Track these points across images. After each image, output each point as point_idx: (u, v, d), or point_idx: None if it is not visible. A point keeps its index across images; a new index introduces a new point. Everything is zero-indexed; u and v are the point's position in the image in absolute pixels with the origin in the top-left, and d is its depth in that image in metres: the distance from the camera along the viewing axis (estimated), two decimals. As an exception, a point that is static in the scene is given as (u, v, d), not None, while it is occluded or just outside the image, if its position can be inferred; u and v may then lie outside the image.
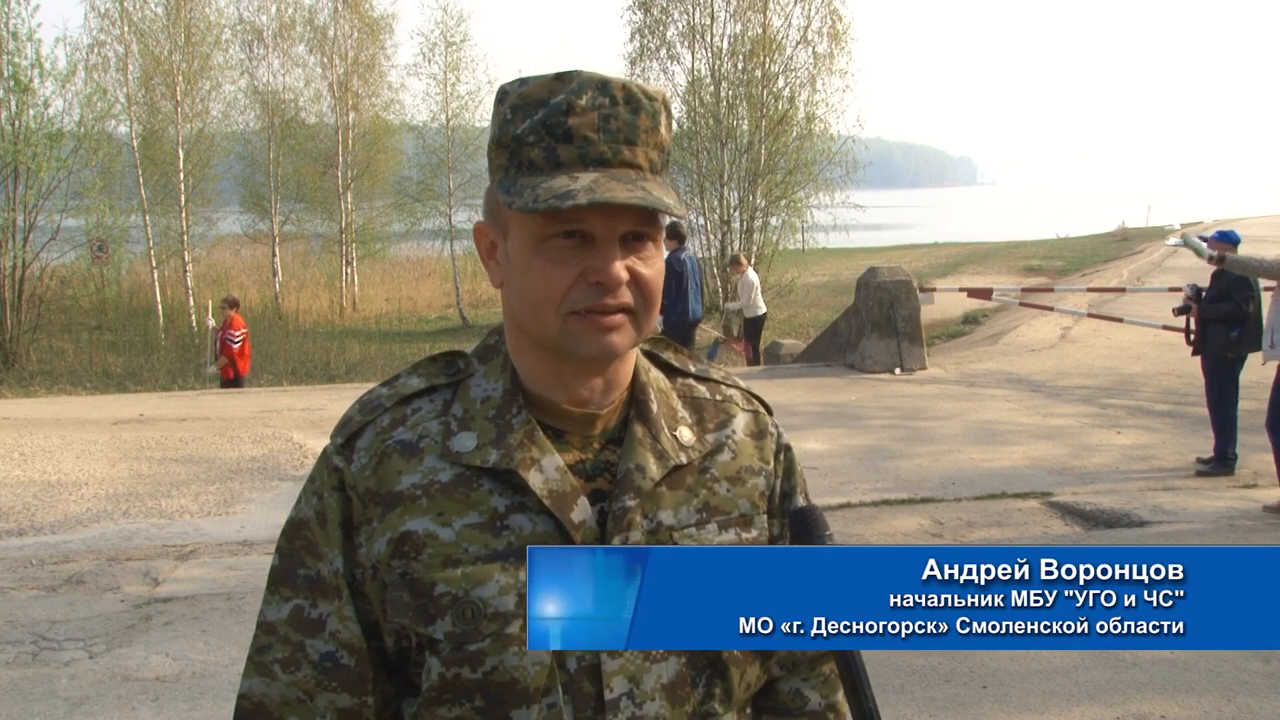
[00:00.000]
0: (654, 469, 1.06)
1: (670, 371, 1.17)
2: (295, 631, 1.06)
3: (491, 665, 1.00)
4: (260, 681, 1.07)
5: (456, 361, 1.12)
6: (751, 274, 14.10)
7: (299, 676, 1.06)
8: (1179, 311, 8.12)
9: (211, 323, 12.91)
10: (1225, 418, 7.52)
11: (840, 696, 1.21)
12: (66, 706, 3.99)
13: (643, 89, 1.02)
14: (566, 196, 0.95)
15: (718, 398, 1.17)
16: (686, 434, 1.11)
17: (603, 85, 1.00)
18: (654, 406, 1.10)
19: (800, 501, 1.19)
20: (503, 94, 1.03)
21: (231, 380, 12.78)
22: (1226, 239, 7.68)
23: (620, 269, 0.99)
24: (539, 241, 0.99)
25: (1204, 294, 7.67)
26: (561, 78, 1.01)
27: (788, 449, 1.20)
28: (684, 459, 1.09)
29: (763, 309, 14.07)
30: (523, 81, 1.02)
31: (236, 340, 12.58)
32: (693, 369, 1.18)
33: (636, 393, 1.10)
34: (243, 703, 1.08)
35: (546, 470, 1.03)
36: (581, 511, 1.03)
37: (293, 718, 1.07)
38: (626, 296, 1.01)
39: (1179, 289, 10.61)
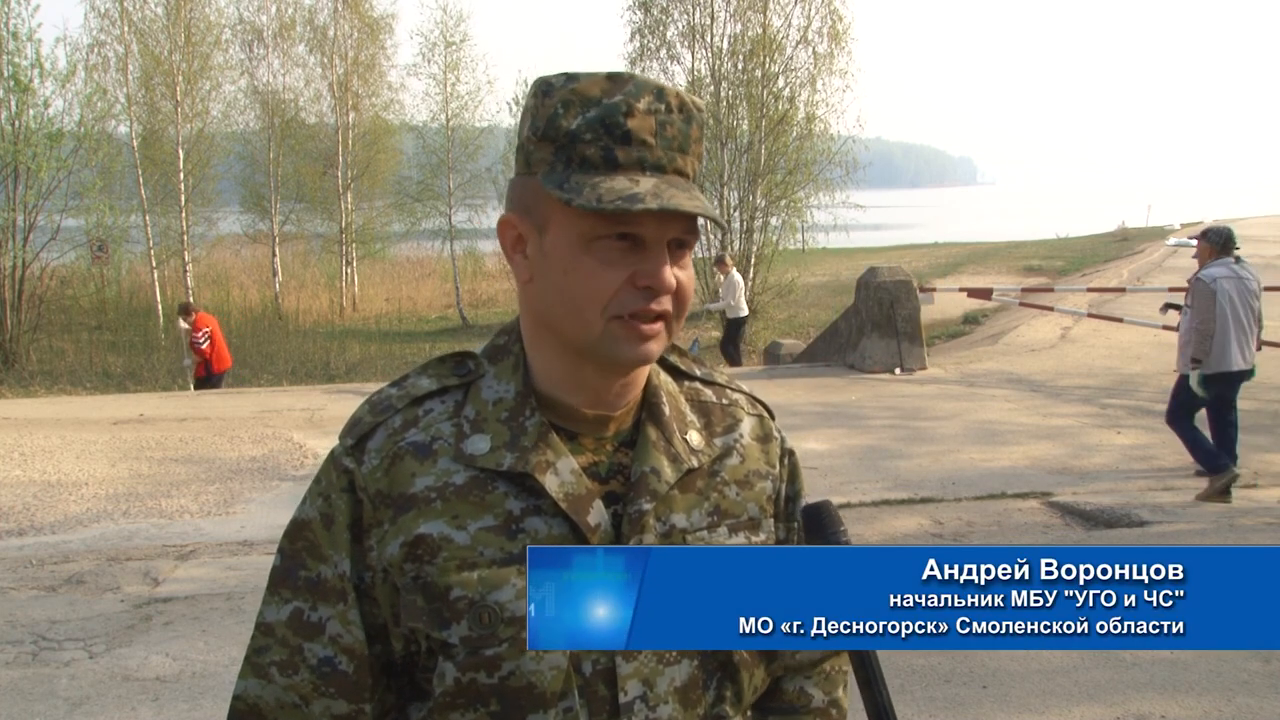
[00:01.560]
0: (668, 472, 1.06)
1: (677, 375, 1.17)
2: (294, 634, 1.05)
3: (508, 670, 0.99)
4: (256, 683, 1.06)
5: (466, 362, 1.11)
6: (736, 275, 13.98)
7: (296, 680, 1.05)
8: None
9: (183, 325, 12.82)
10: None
11: (841, 692, 1.23)
12: (66, 706, 3.99)
13: (692, 99, 1.03)
14: (634, 199, 0.95)
15: (724, 401, 1.17)
16: (696, 437, 1.11)
17: (659, 91, 1.00)
18: (666, 410, 1.10)
19: (803, 505, 1.20)
20: (547, 86, 1.01)
21: (204, 379, 12.62)
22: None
23: (671, 275, 1.00)
24: (588, 241, 0.99)
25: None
26: (615, 78, 1.00)
27: (791, 453, 1.21)
28: (695, 462, 1.09)
29: (745, 311, 13.83)
30: (571, 77, 1.01)
31: (201, 342, 12.47)
32: (698, 373, 1.18)
33: (648, 395, 1.10)
34: (237, 704, 1.07)
35: (562, 473, 1.03)
36: (597, 514, 1.03)
37: None
38: (667, 304, 1.01)
39: (1179, 289, 10.63)
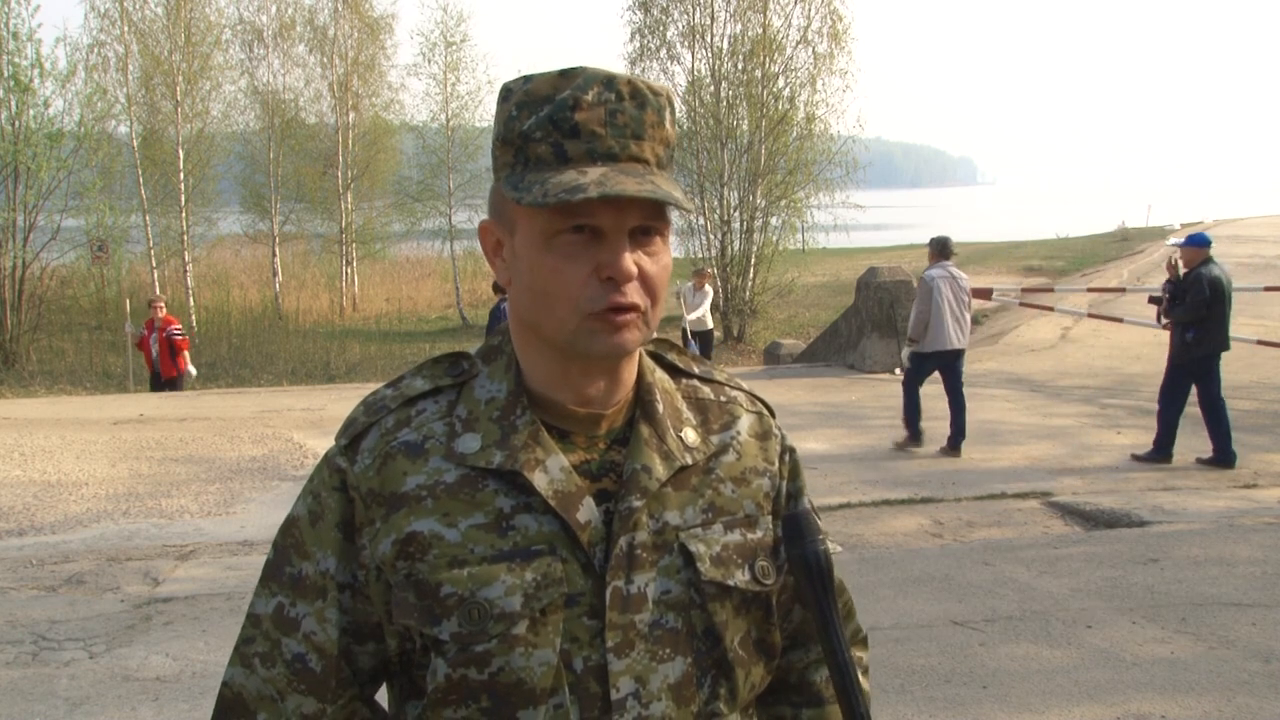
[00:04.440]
0: (660, 469, 1.06)
1: (674, 372, 1.17)
2: (275, 628, 1.07)
3: (498, 666, 1.00)
4: (241, 672, 1.09)
5: (460, 362, 1.12)
6: (709, 289, 13.50)
7: (273, 674, 1.07)
8: (1153, 299, 8.47)
9: (130, 329, 12.40)
10: (1168, 406, 7.79)
11: (861, 677, 1.22)
12: (66, 706, 3.99)
13: (648, 84, 1.02)
14: (576, 190, 0.94)
15: (722, 399, 1.17)
16: (691, 435, 1.11)
17: (608, 81, 1.00)
18: (660, 407, 1.10)
19: (804, 504, 1.19)
20: (507, 91, 1.03)
21: (174, 380, 12.12)
22: (1197, 241, 7.81)
23: (630, 263, 0.99)
24: (548, 237, 0.99)
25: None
26: (566, 74, 1.00)
27: (792, 451, 1.21)
28: (689, 460, 1.09)
29: (709, 325, 13.23)
30: (527, 79, 1.02)
31: (179, 332, 12.06)
32: (697, 370, 1.18)
33: (642, 393, 1.10)
34: (224, 690, 1.10)
35: (551, 471, 1.03)
36: (587, 511, 1.03)
37: (264, 714, 1.07)
38: (636, 295, 1.00)
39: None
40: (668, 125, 1.03)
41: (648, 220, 1.00)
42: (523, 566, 1.00)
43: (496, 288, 12.26)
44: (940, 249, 8.53)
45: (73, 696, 4.07)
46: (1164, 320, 8.02)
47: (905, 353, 8.61)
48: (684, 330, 13.15)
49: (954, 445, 8.29)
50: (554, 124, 0.98)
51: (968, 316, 8.43)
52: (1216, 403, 7.67)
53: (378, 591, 1.05)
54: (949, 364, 8.36)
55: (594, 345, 1.01)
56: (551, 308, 1.00)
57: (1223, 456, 7.67)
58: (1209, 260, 7.70)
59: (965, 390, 8.44)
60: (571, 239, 0.98)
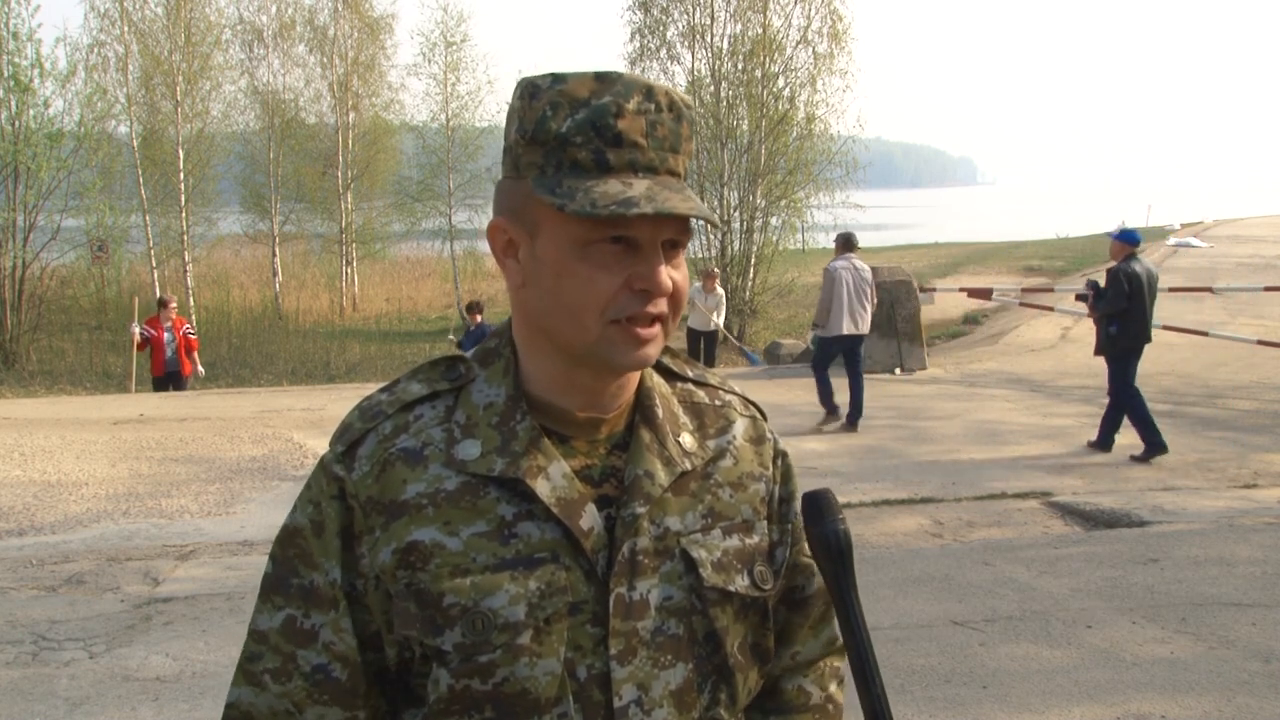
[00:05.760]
0: (661, 475, 1.06)
1: (669, 376, 1.16)
2: (287, 642, 1.04)
3: (502, 676, 0.99)
4: (249, 691, 1.06)
5: (457, 366, 1.10)
6: (720, 290, 13.56)
7: (289, 688, 1.04)
8: (1079, 297, 8.69)
9: (136, 329, 12.39)
10: (1130, 407, 7.88)
11: (835, 688, 1.24)
12: (66, 706, 3.99)
13: (682, 97, 1.01)
14: (629, 204, 0.93)
15: (717, 403, 1.17)
16: (688, 440, 1.10)
17: (648, 90, 0.98)
18: (659, 412, 1.10)
19: (796, 507, 1.19)
20: (534, 88, 1.00)
21: (185, 378, 12.14)
22: (1124, 238, 8.07)
23: (666, 277, 0.99)
24: (582, 245, 0.97)
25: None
26: (603, 78, 0.99)
27: (784, 455, 1.20)
28: (689, 465, 1.08)
29: (713, 327, 13.27)
30: (558, 78, 0.99)
31: (194, 331, 12.30)
32: (691, 374, 1.18)
33: (642, 398, 1.10)
34: (230, 712, 1.07)
35: (554, 478, 1.02)
36: (590, 518, 1.02)
37: None
38: (664, 305, 1.00)
39: (1179, 289, 10.68)
40: (693, 138, 1.03)
41: (678, 235, 1.00)
42: (526, 575, 1.00)
43: (471, 308, 12.28)
44: (845, 243, 9.36)
45: (73, 696, 4.07)
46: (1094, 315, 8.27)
47: (810, 336, 9.45)
48: (688, 330, 13.18)
49: (852, 422, 9.00)
50: (595, 130, 0.96)
51: (868, 305, 9.17)
52: (1122, 394, 7.89)
53: (376, 601, 1.03)
54: (850, 348, 9.17)
55: (616, 356, 1.00)
56: (576, 315, 0.99)
57: (1102, 442, 8.07)
58: (1133, 256, 7.95)
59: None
60: (607, 249, 0.97)
